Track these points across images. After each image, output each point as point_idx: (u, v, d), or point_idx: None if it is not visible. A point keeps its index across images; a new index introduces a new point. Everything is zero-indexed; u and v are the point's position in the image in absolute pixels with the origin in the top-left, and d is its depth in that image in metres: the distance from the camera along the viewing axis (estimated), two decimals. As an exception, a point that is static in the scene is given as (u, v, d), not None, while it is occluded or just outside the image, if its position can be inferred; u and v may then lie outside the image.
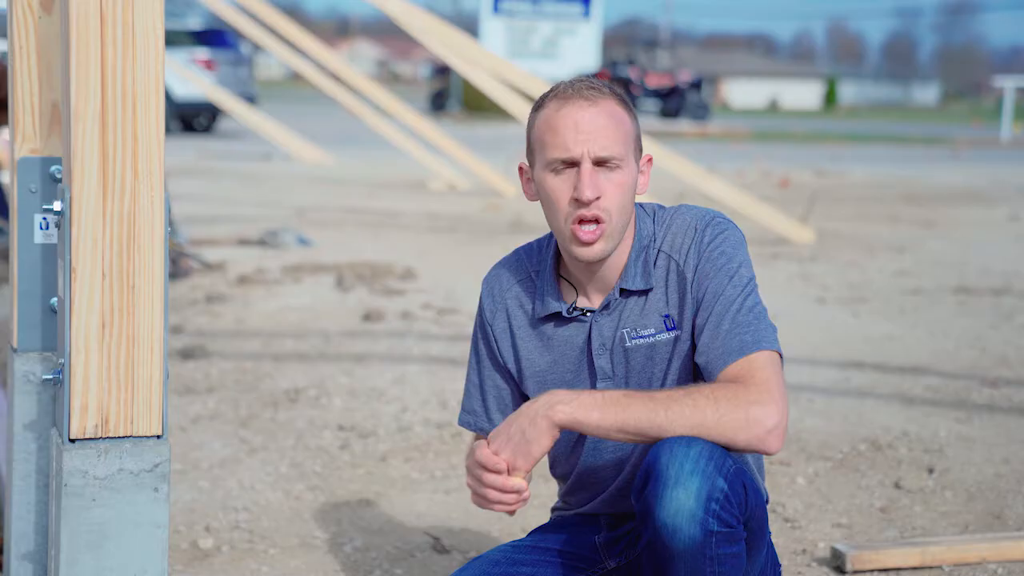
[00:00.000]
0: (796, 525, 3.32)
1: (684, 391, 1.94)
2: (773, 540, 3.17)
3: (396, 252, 8.01)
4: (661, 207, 2.19)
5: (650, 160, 2.16)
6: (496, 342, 2.24)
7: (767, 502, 2.26)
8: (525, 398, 2.23)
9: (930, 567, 2.98)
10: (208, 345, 5.24)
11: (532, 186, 2.14)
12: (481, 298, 2.28)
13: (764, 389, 1.92)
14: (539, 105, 2.11)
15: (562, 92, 2.08)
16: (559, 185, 2.06)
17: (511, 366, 2.23)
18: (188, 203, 10.36)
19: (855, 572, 2.95)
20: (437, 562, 3.08)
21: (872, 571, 2.96)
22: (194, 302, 6.25)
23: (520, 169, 2.18)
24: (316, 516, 3.38)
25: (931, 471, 3.73)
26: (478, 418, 2.28)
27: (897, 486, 3.61)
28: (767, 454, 1.94)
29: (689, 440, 1.88)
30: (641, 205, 2.19)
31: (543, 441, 1.91)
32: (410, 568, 3.05)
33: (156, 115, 1.86)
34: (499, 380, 2.26)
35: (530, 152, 2.13)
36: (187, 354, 5.07)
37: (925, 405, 4.50)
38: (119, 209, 1.86)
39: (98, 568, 1.90)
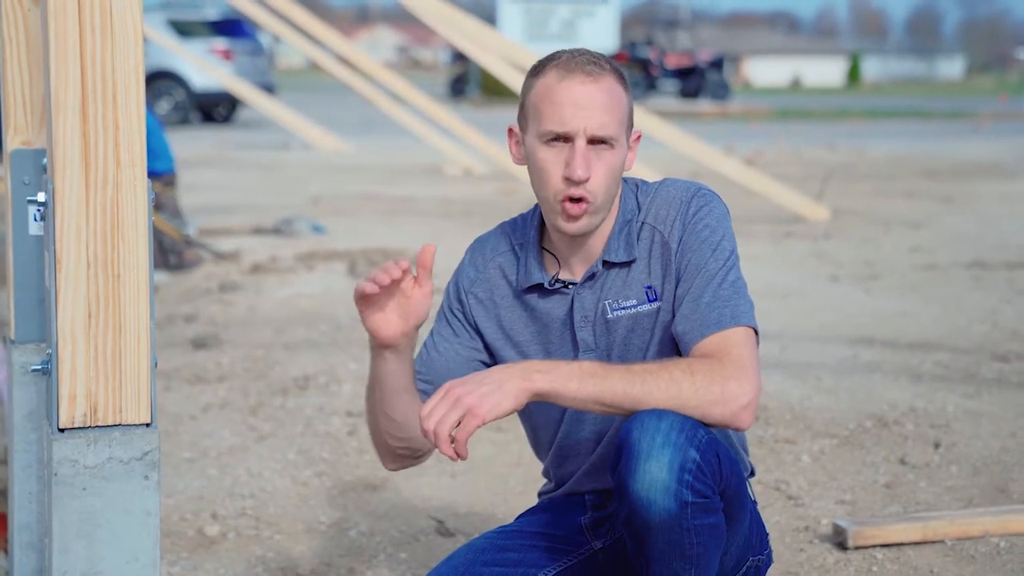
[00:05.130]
0: (800, 502, 3.32)
1: (660, 364, 1.94)
2: (776, 518, 3.19)
3: (409, 238, 8.02)
4: (644, 182, 2.18)
5: (639, 137, 2.14)
6: (471, 310, 2.21)
7: (751, 474, 2.26)
8: None
9: (932, 542, 2.98)
10: (220, 334, 5.27)
11: (521, 150, 2.11)
12: (463, 266, 2.25)
13: (739, 365, 1.93)
14: (538, 71, 2.06)
15: (564, 63, 2.04)
16: (551, 157, 2.04)
17: (488, 336, 2.20)
18: (206, 193, 10.41)
19: (857, 548, 2.95)
20: (441, 545, 3.09)
21: (874, 547, 2.96)
22: (208, 291, 6.28)
23: (510, 131, 2.14)
24: (322, 502, 3.40)
25: (937, 446, 3.72)
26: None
27: (902, 462, 3.60)
28: (739, 430, 1.94)
29: (660, 413, 1.88)
30: (625, 179, 2.18)
31: (510, 402, 1.88)
32: (414, 552, 3.07)
33: (137, 103, 1.86)
34: (445, 345, 2.20)
35: (523, 116, 2.09)
36: (199, 343, 5.10)
37: (934, 381, 4.48)
38: (102, 199, 1.86)
39: (90, 556, 1.91)
